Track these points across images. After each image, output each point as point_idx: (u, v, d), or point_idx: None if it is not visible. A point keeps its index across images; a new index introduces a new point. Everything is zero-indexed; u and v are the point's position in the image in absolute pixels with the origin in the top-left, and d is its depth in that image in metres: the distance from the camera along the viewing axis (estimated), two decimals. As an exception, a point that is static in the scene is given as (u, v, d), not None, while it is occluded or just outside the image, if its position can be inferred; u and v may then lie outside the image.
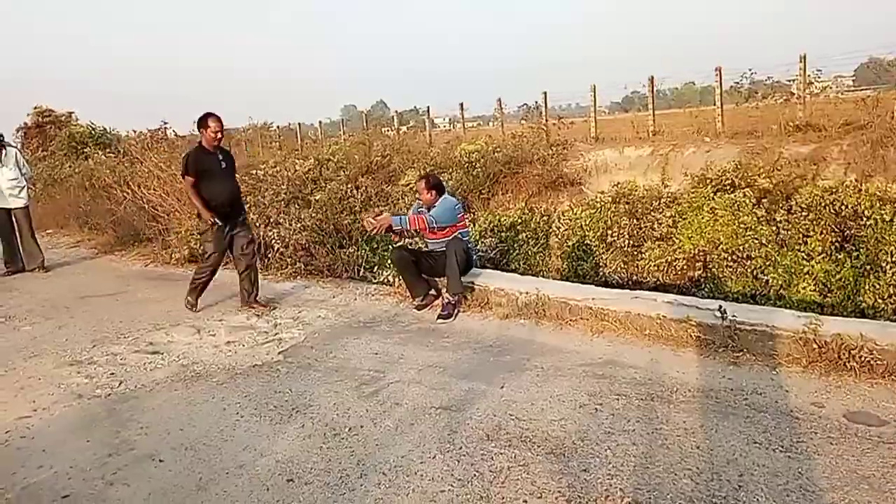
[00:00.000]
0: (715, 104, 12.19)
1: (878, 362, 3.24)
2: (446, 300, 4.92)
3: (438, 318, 4.85)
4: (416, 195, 5.22)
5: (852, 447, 2.69)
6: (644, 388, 3.39)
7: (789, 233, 7.96)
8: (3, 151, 7.77)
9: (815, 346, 3.42)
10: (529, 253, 9.88)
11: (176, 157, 8.82)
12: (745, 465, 2.62)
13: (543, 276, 9.54)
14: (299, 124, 22.28)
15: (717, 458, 2.68)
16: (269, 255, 7.24)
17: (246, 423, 3.38)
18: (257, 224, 7.50)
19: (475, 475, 2.70)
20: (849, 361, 3.30)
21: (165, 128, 10.16)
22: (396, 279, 5.71)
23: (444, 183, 11.61)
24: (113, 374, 4.33)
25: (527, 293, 4.71)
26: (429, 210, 5.19)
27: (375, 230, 5.05)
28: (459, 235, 5.12)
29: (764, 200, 8.31)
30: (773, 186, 8.43)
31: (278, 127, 23.94)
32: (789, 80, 12.60)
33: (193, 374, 4.21)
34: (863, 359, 3.27)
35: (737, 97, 12.45)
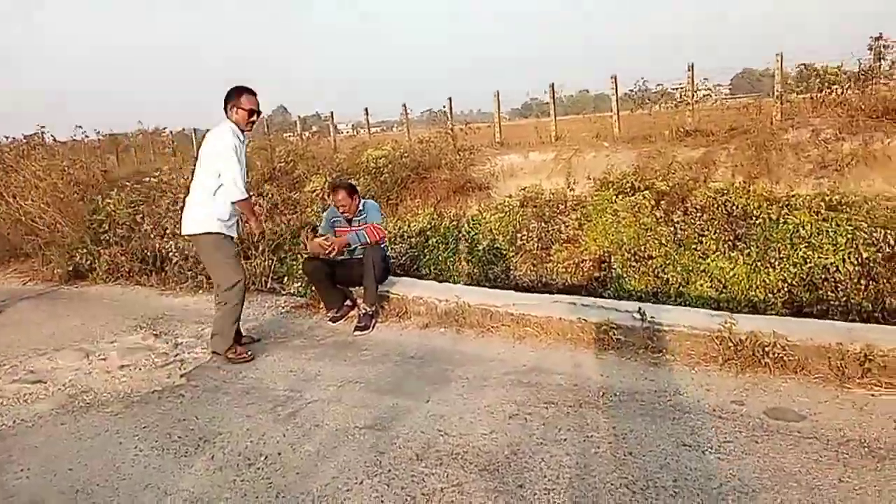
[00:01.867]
0: (611, 111, 12.60)
1: (791, 358, 3.33)
2: (363, 311, 4.70)
3: (356, 330, 4.62)
4: (334, 204, 4.92)
5: (776, 444, 2.71)
6: (571, 394, 3.33)
7: (686, 233, 8.31)
8: None
9: (730, 344, 3.48)
10: (440, 258, 9.80)
11: (56, 165, 8.08)
12: (678, 469, 2.58)
13: (454, 281, 9.52)
14: (195, 129, 21.18)
15: (650, 464, 2.63)
16: (167, 269, 6.73)
17: (146, 459, 3.03)
18: (151, 235, 6.98)
19: (407, 500, 2.51)
20: (763, 358, 3.37)
21: (42, 133, 9.30)
22: (308, 290, 5.42)
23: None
24: (-14, 409, 3.81)
25: (446, 301, 4.57)
26: (349, 219, 4.92)
27: (330, 252, 4.69)
28: (378, 241, 4.87)
29: (662, 202, 8.63)
30: (669, 189, 8.76)
31: (171, 132, 22.69)
32: (674, 88, 13.24)
33: (83, 405, 3.76)
34: (776, 355, 3.35)
35: (631, 104, 12.94)
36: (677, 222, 8.27)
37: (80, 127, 10.28)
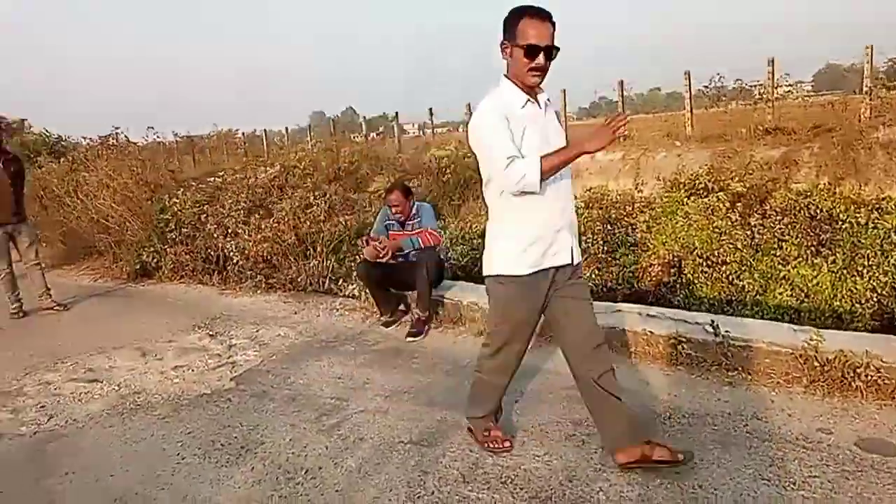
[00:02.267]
0: (684, 109, 12.02)
1: (886, 381, 2.94)
2: (416, 316, 4.52)
3: (408, 336, 4.45)
4: (388, 206, 4.78)
5: (871, 483, 2.37)
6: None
7: (764, 237, 7.76)
8: None
9: (816, 363, 3.11)
10: (501, 261, 9.56)
11: (126, 165, 8.29)
12: (755, 508, 2.28)
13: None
14: (265, 130, 21.66)
15: (722, 500, 2.33)
16: (228, 268, 6.77)
17: (187, 467, 2.94)
18: (215, 235, 7.04)
19: (450, 528, 2.31)
20: (854, 381, 3.00)
21: (117, 134, 9.60)
22: (363, 293, 5.30)
23: (415, 189, 11.25)
24: (43, 406, 3.84)
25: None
26: (401, 222, 4.78)
27: (384, 256, 4.58)
28: (433, 246, 4.69)
29: (738, 204, 8.10)
30: (746, 190, 8.22)
31: (244, 133, 23.30)
32: (752, 85, 12.52)
33: (133, 406, 3.74)
34: (869, 378, 2.97)
35: (706, 101, 12.31)
36: (755, 226, 7.73)
37: (152, 128, 10.56)
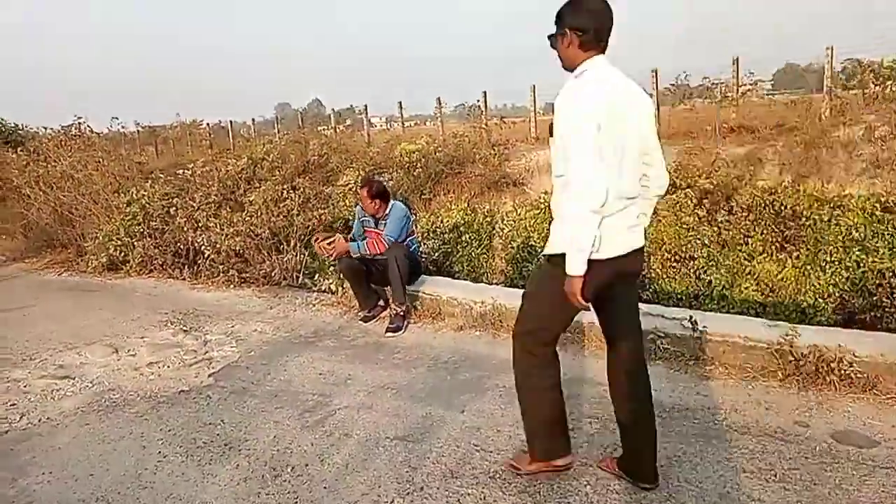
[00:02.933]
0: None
1: (859, 375, 3.05)
2: (394, 311, 4.51)
3: (387, 331, 4.44)
4: (358, 200, 4.77)
5: (848, 474, 2.45)
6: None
7: (731, 233, 7.94)
8: None
9: (791, 358, 3.21)
10: (473, 255, 9.57)
11: (91, 156, 8.07)
12: (739, 499, 2.34)
13: (488, 279, 9.30)
14: (231, 122, 21.29)
15: (708, 493, 2.39)
16: (199, 263, 6.65)
17: (169, 465, 2.89)
18: (185, 228, 6.90)
19: (442, 524, 2.32)
20: (828, 375, 3.10)
21: (80, 123, 9.32)
22: (340, 287, 5.27)
23: (386, 183, 11.16)
24: (14, 405, 3.73)
25: (482, 303, 4.36)
26: (375, 219, 4.75)
27: (331, 256, 4.62)
28: (401, 241, 4.67)
29: (705, 201, 8.26)
30: (713, 187, 8.41)
31: (208, 125, 22.85)
32: (715, 83, 12.78)
33: (109, 404, 3.65)
34: (843, 372, 3.07)
35: (672, 100, 12.53)
36: (721, 222, 7.90)
37: (117, 118, 10.30)
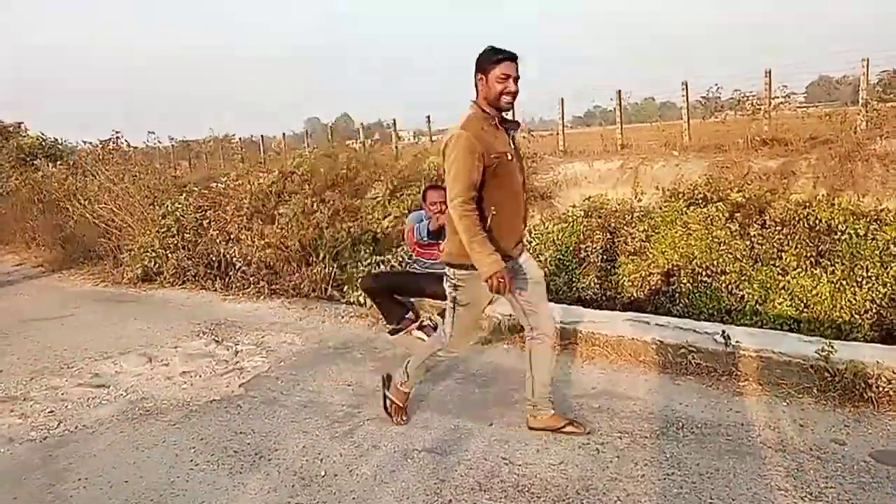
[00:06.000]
0: (681, 118, 12.11)
1: (898, 392, 2.97)
2: (428, 324, 4.52)
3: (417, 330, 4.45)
4: (425, 208, 4.63)
5: (887, 493, 2.39)
6: (647, 423, 3.06)
7: (763, 247, 7.82)
8: None
9: (827, 374, 3.14)
10: (500, 268, 9.57)
11: (129, 170, 8.28)
12: (774, 518, 2.30)
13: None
14: (262, 136, 21.66)
15: (741, 510, 2.35)
16: (230, 274, 6.76)
17: (201, 473, 2.93)
18: (217, 240, 7.03)
19: (470, 537, 2.32)
20: (866, 391, 3.03)
21: (117, 138, 9.57)
22: (368, 300, 5.30)
23: (411, 196, 11.15)
24: (52, 412, 3.82)
25: (509, 316, 4.35)
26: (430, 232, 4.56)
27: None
28: None
29: (737, 214, 8.15)
30: (746, 200, 8.30)
31: (240, 139, 23.27)
32: (748, 95, 12.63)
33: (143, 412, 3.73)
34: (881, 389, 3.00)
35: (702, 111, 12.41)
36: (754, 236, 7.79)
37: (153, 133, 10.51)
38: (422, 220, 4.74)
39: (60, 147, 16.67)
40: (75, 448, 3.30)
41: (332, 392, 3.79)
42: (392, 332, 4.77)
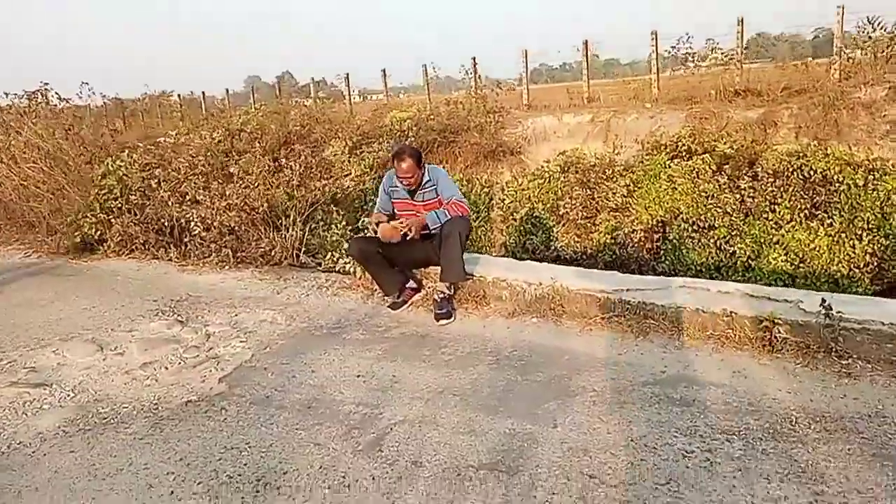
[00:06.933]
0: (651, 71, 11.49)
1: None
2: (441, 294, 3.74)
3: (437, 318, 3.66)
4: (397, 175, 3.94)
5: None
6: (751, 419, 2.41)
7: (755, 201, 7.34)
8: None
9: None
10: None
11: (60, 124, 7.05)
12: None
13: (486, 251, 8.58)
14: (203, 93, 20.02)
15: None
16: (186, 241, 5.78)
17: (189, 515, 2.13)
18: (169, 202, 6.01)
19: None
20: None
21: (46, 90, 8.22)
22: (358, 268, 4.48)
23: (373, 153, 10.21)
24: (-26, 424, 2.90)
25: (539, 284, 3.63)
26: (415, 189, 3.95)
27: (410, 234, 3.75)
28: (461, 213, 3.86)
29: (725, 167, 7.63)
30: (735, 152, 7.78)
31: (179, 96, 21.51)
32: (714, 47, 12.13)
33: (98, 420, 2.85)
34: None
35: (670, 63, 11.84)
36: (744, 189, 7.29)
37: (87, 83, 9.11)
38: (394, 187, 4.02)
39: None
40: (9, 479, 2.43)
41: (339, 386, 3.00)
42: (393, 306, 3.98)
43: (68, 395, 3.15)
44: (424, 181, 3.90)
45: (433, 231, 3.81)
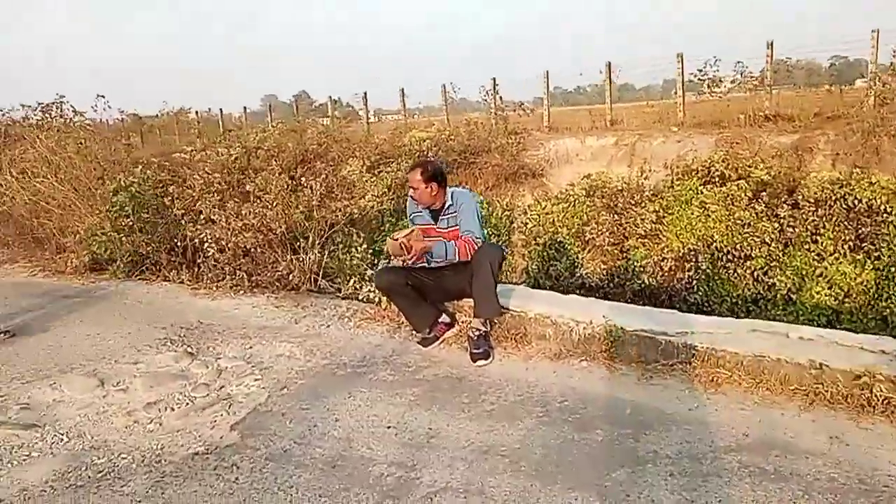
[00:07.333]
0: (676, 92, 11.16)
1: None
2: (476, 332, 3.33)
3: (474, 358, 3.26)
4: (409, 189, 3.59)
5: None
6: (867, 501, 1.98)
7: (796, 230, 6.93)
8: None
9: None
10: (492, 251, 8.49)
11: (72, 136, 6.75)
12: None
13: (507, 278, 8.18)
14: (221, 111, 19.90)
15: None
16: (200, 262, 5.41)
17: None
18: (182, 221, 5.66)
19: None
20: None
21: (61, 102, 7.96)
22: (384, 298, 4.09)
23: (391, 173, 9.87)
24: (-47, 475, 2.51)
25: (588, 323, 3.22)
26: (432, 212, 3.58)
27: (410, 258, 3.38)
28: (480, 244, 3.47)
29: (762, 194, 7.23)
30: (772, 178, 7.38)
31: (197, 113, 21.40)
32: (743, 70, 11.75)
33: (92, 474, 2.46)
34: None
35: (696, 86, 11.48)
36: (783, 217, 6.88)
37: (103, 97, 8.84)
38: (418, 212, 3.65)
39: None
40: (-19, 552, 2.03)
41: (367, 440, 2.59)
42: (423, 342, 3.57)
43: (61, 440, 2.76)
44: (447, 205, 3.51)
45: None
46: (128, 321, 4.45)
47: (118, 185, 5.99)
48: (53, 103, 7.98)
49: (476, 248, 3.36)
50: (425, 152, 10.66)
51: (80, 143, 6.68)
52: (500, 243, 8.86)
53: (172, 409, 3.01)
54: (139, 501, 2.26)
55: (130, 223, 5.88)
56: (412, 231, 3.52)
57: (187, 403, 3.06)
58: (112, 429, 2.85)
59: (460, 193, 3.61)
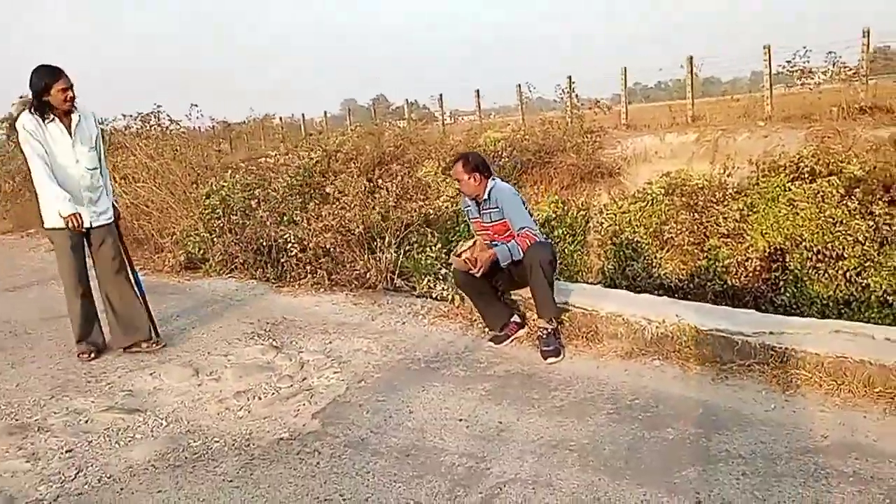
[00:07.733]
0: (763, 85, 10.70)
1: None
2: (544, 330, 3.39)
3: (545, 356, 3.31)
4: (456, 183, 3.75)
5: None
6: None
7: (893, 229, 6.54)
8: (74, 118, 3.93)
9: None
10: (566, 251, 8.43)
11: (169, 144, 7.26)
12: None
13: (582, 277, 8.12)
14: (303, 115, 20.68)
15: None
16: (283, 262, 5.70)
17: (278, 583, 1.87)
18: (267, 223, 5.98)
19: None
20: None
21: (158, 112, 8.58)
22: (457, 295, 4.20)
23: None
24: (70, 451, 2.79)
25: (661, 322, 3.20)
26: (478, 204, 3.70)
27: (478, 271, 3.50)
28: (540, 239, 3.56)
29: (856, 190, 6.85)
30: (867, 174, 6.98)
31: (281, 119, 22.33)
32: (836, 60, 11.11)
33: (188, 455, 2.68)
34: None
35: (786, 79, 10.97)
36: (879, 215, 6.50)
37: (196, 105, 9.45)
38: (468, 207, 3.85)
39: (101, 124, 15.79)
40: (95, 517, 2.28)
41: (439, 431, 2.70)
42: (496, 340, 3.65)
43: (161, 424, 3.02)
44: (484, 198, 3.60)
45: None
46: (219, 316, 4.76)
47: (210, 189, 6.40)
48: (151, 113, 8.60)
49: (534, 235, 3.43)
50: (500, 153, 10.71)
51: (176, 150, 7.18)
52: (575, 243, 8.83)
53: (260, 398, 3.22)
54: (230, 481, 2.45)
55: (221, 224, 6.27)
56: (474, 243, 3.64)
57: (273, 393, 3.27)
58: (206, 415, 3.09)
59: (499, 189, 3.66)
